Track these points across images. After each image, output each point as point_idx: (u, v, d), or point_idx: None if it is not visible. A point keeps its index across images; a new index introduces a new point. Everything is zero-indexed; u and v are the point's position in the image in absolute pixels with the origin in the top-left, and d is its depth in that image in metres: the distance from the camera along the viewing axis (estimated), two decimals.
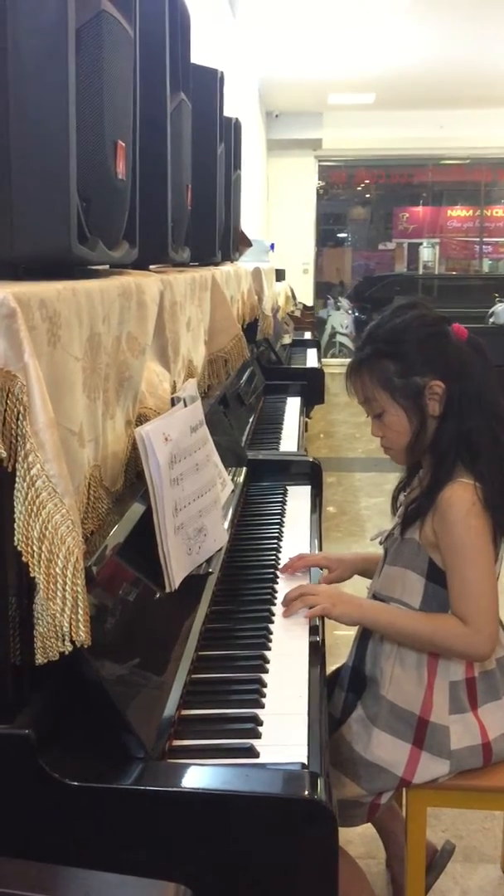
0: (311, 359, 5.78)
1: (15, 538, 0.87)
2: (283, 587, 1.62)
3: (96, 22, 1.05)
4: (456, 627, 1.43)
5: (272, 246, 6.33)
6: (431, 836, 1.88)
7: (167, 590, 1.30)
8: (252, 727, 1.14)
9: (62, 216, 0.99)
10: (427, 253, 14.03)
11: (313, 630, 1.46)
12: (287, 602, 1.52)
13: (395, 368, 1.49)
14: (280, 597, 1.57)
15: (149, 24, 1.41)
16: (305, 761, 1.06)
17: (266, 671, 1.31)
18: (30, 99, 0.96)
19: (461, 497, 1.42)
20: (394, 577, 1.53)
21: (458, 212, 14.23)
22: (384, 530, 1.63)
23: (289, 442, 3.08)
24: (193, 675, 1.27)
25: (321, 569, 1.73)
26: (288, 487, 2.27)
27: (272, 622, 1.49)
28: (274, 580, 1.67)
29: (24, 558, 0.87)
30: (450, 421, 1.46)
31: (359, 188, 14.71)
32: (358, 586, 1.67)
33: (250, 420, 3.04)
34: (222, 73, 2.18)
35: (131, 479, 1.33)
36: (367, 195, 14.79)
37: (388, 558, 1.57)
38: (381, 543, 1.61)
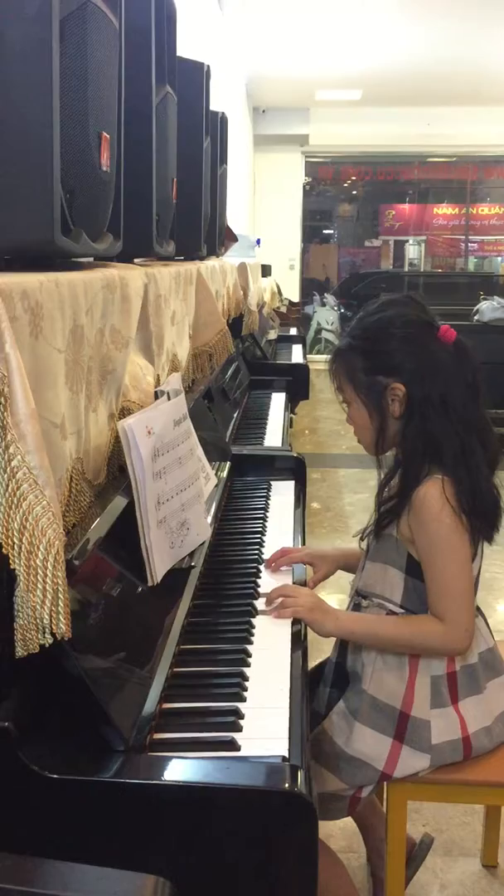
0: (297, 355, 5.78)
1: None
2: (266, 582, 1.63)
3: (81, 12, 1.05)
4: (434, 627, 1.44)
5: (258, 241, 6.33)
6: (412, 829, 1.89)
7: (149, 583, 1.30)
8: (233, 720, 1.14)
9: (45, 207, 0.99)
10: (413, 250, 14.06)
11: (295, 624, 1.46)
12: (269, 601, 1.52)
13: (363, 365, 1.50)
14: (262, 591, 1.57)
15: (135, 15, 1.41)
16: (286, 754, 1.07)
17: (248, 665, 1.31)
18: (13, 88, 0.95)
19: (433, 495, 1.42)
20: (374, 573, 1.53)
21: (444, 209, 14.26)
22: (365, 527, 1.63)
23: (273, 437, 3.08)
24: (175, 669, 1.27)
25: (306, 565, 1.74)
26: (272, 482, 2.27)
27: (254, 616, 1.49)
28: (257, 575, 1.67)
29: (3, 550, 0.87)
30: (412, 424, 1.47)
31: (345, 185, 14.72)
32: (342, 583, 1.68)
33: (235, 415, 3.03)
34: (209, 66, 2.17)
35: (114, 473, 1.33)
36: (354, 192, 14.80)
37: (368, 554, 1.57)
38: (361, 540, 1.62)
